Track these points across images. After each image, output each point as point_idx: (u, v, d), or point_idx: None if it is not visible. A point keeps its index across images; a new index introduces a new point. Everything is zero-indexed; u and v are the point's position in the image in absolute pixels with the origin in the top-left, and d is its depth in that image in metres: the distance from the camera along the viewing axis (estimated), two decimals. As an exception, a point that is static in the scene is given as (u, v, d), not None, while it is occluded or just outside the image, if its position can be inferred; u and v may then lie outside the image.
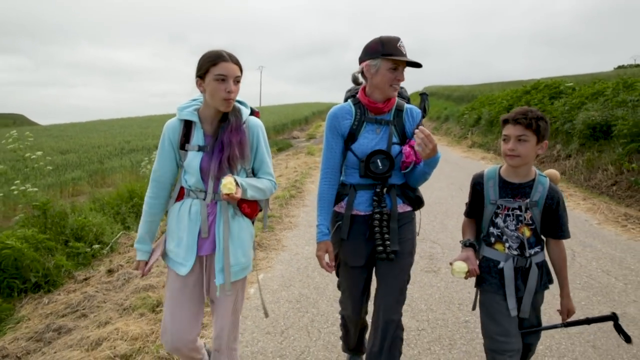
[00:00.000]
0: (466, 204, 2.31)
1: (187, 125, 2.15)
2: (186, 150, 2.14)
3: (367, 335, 2.63)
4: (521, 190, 2.11)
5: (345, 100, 2.43)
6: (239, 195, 1.99)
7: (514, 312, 2.10)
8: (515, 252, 2.12)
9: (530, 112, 2.03)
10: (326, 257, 2.30)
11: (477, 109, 20.16)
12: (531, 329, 2.17)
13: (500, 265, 2.12)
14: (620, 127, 9.00)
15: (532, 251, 2.12)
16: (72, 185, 11.96)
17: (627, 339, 2.08)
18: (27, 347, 3.15)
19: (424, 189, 2.38)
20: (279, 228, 5.96)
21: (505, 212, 2.13)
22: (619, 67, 30.30)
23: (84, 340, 3.06)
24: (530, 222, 2.11)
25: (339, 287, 2.52)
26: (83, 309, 3.74)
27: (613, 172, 8.83)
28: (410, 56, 2.16)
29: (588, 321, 2.14)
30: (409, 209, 2.33)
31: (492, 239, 2.18)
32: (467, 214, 2.30)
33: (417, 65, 2.15)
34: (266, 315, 2.42)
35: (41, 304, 4.06)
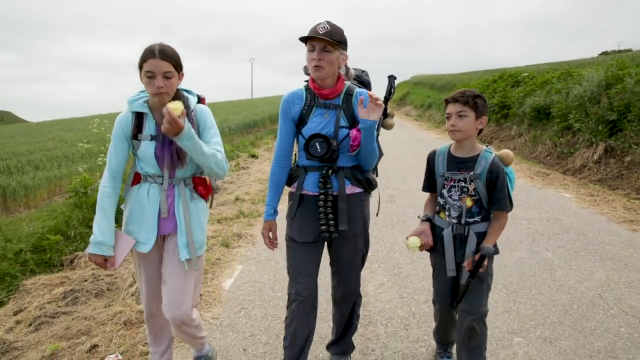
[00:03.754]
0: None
1: (139, 116, 2.20)
2: (139, 140, 2.19)
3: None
4: (466, 164, 2.26)
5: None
6: (177, 116, 1.96)
7: (451, 273, 2.27)
8: (454, 220, 2.28)
9: (468, 91, 2.20)
10: (270, 235, 2.44)
11: (454, 97, 22.27)
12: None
13: (443, 232, 2.30)
14: (556, 110, 11.22)
15: (471, 220, 2.25)
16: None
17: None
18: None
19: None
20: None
21: (451, 183, 2.29)
22: (603, 53, 31.65)
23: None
24: (474, 193, 2.24)
25: (289, 272, 2.42)
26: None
27: (550, 145, 11.03)
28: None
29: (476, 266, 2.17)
30: (358, 190, 2.37)
31: (438, 208, 2.37)
32: (424, 187, 2.47)
33: (329, 41, 2.14)
34: None
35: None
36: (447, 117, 2.25)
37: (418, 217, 2.44)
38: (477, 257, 2.17)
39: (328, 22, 2.17)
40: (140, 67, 2.10)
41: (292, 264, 2.39)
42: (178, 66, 2.14)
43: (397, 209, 6.22)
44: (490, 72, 24.40)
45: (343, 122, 2.29)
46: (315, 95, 2.32)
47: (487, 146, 2.30)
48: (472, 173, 2.22)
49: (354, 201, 2.35)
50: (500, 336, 2.96)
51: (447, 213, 2.30)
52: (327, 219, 2.26)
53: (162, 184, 2.22)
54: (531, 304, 3.38)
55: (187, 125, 2.04)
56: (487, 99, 2.30)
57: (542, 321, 3.14)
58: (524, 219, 5.56)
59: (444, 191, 2.31)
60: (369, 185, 2.39)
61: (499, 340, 2.90)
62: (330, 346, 2.68)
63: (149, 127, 2.19)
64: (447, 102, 2.26)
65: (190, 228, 2.23)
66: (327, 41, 2.14)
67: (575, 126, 9.96)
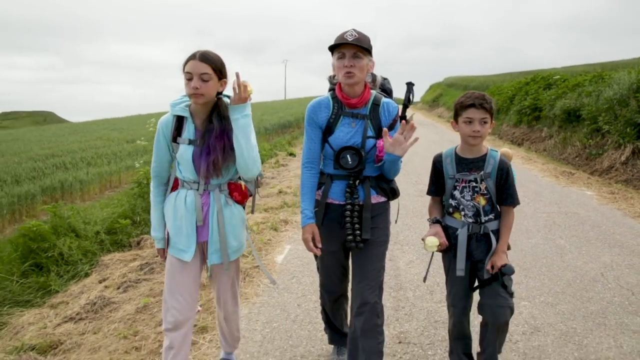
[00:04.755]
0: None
1: (179, 120, 2.23)
2: (178, 143, 2.23)
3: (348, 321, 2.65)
4: (475, 164, 2.30)
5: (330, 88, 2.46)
6: (246, 94, 2.12)
7: (460, 273, 2.30)
8: (470, 220, 2.32)
9: (486, 96, 2.20)
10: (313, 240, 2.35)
11: (487, 99, 22.45)
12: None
13: (458, 232, 2.32)
14: (586, 112, 11.48)
15: (487, 218, 2.30)
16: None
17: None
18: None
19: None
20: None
21: (463, 184, 2.31)
22: (647, 53, 30.81)
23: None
24: (485, 192, 2.28)
25: (318, 269, 2.64)
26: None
27: (579, 147, 11.30)
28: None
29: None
30: (382, 199, 2.40)
31: (451, 209, 2.37)
32: (429, 191, 2.48)
33: (360, 47, 2.16)
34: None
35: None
36: (469, 122, 2.23)
37: (427, 220, 2.47)
38: (495, 269, 2.27)
39: (355, 30, 2.19)
40: (184, 69, 2.16)
41: (322, 266, 2.58)
42: (218, 70, 2.17)
43: (426, 202, 6.67)
44: (524, 74, 24.38)
45: (370, 132, 2.32)
46: (343, 105, 2.34)
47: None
48: (482, 172, 2.27)
49: (379, 209, 2.38)
50: (510, 301, 3.53)
51: (462, 213, 2.34)
52: (353, 229, 2.29)
53: (197, 189, 2.26)
54: (539, 279, 3.93)
55: (249, 105, 2.20)
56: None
57: (546, 291, 3.70)
58: (544, 212, 6.06)
59: (456, 192, 2.35)
60: (393, 194, 2.43)
61: (508, 304, 3.47)
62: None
63: (188, 131, 2.22)
64: (469, 106, 2.22)
65: (224, 235, 2.28)
66: (357, 47, 2.17)
67: (604, 128, 10.21)
